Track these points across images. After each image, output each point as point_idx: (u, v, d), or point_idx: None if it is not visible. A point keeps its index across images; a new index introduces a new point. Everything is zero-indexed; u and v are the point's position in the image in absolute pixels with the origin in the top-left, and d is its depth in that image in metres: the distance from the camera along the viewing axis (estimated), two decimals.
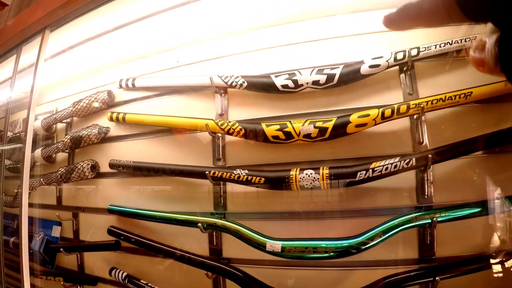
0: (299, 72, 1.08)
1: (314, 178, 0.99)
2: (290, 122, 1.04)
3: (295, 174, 1.00)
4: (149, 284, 1.30)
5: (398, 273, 0.94)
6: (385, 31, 1.11)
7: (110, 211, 1.37)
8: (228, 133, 1.12)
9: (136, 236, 1.30)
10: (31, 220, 1.59)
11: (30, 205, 1.53)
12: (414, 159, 0.94)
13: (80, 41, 1.48)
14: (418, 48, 1.02)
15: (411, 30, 1.01)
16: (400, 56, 1.03)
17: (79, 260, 1.57)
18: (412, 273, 0.92)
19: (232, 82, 1.15)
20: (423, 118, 1.02)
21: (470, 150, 0.94)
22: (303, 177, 1.00)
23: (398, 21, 0.43)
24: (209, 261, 1.13)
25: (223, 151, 1.22)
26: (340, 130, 1.00)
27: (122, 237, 1.33)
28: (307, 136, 1.02)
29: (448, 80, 1.03)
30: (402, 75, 1.07)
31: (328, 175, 0.98)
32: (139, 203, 1.35)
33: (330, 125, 1.00)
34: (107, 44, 1.50)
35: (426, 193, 1.00)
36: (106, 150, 1.49)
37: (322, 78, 1.05)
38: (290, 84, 1.08)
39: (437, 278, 0.90)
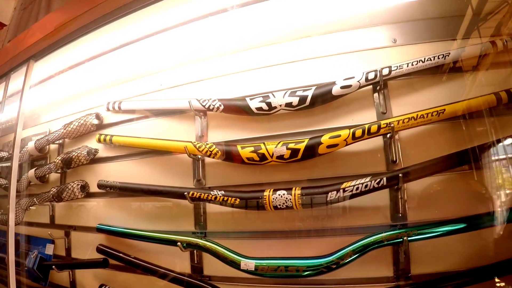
0: (272, 94, 1.10)
1: (287, 198, 1.00)
2: (264, 144, 1.06)
3: (268, 195, 1.02)
4: None
5: None
6: (360, 50, 1.16)
7: (99, 230, 1.40)
8: (205, 155, 1.15)
9: (122, 254, 1.33)
10: (23, 237, 1.64)
11: (20, 223, 1.58)
12: (385, 178, 0.95)
13: (69, 65, 1.54)
14: (389, 67, 1.03)
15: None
16: (371, 76, 1.04)
17: (71, 277, 1.59)
18: None
19: (210, 105, 1.18)
20: (396, 137, 1.02)
21: (442, 168, 0.95)
22: (276, 197, 1.01)
23: None
24: (190, 279, 1.15)
25: (203, 171, 1.25)
26: (312, 151, 1.02)
27: (110, 255, 1.36)
28: (280, 157, 1.04)
29: (422, 97, 1.04)
30: (376, 94, 1.08)
31: (300, 195, 0.99)
32: (126, 222, 1.38)
33: (302, 146, 1.02)
34: (95, 69, 1.56)
35: (400, 212, 1.00)
36: (96, 170, 1.54)
37: (295, 100, 1.07)
38: (264, 106, 1.10)
39: None
